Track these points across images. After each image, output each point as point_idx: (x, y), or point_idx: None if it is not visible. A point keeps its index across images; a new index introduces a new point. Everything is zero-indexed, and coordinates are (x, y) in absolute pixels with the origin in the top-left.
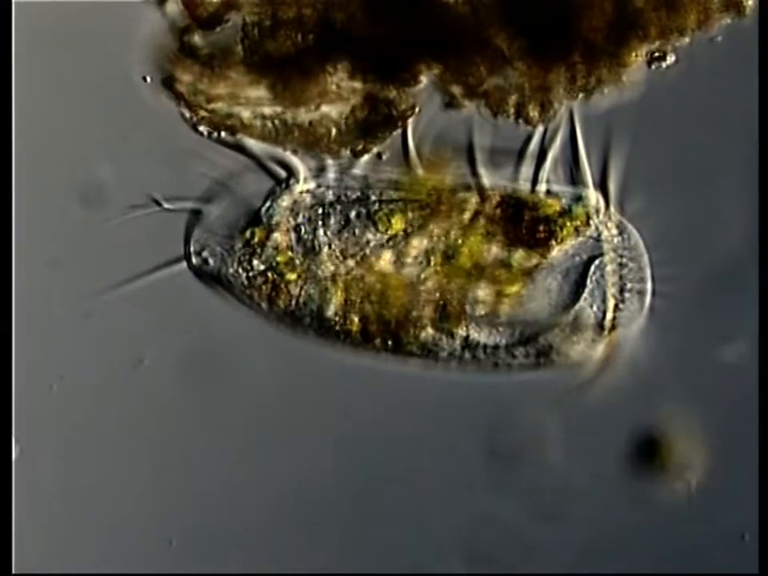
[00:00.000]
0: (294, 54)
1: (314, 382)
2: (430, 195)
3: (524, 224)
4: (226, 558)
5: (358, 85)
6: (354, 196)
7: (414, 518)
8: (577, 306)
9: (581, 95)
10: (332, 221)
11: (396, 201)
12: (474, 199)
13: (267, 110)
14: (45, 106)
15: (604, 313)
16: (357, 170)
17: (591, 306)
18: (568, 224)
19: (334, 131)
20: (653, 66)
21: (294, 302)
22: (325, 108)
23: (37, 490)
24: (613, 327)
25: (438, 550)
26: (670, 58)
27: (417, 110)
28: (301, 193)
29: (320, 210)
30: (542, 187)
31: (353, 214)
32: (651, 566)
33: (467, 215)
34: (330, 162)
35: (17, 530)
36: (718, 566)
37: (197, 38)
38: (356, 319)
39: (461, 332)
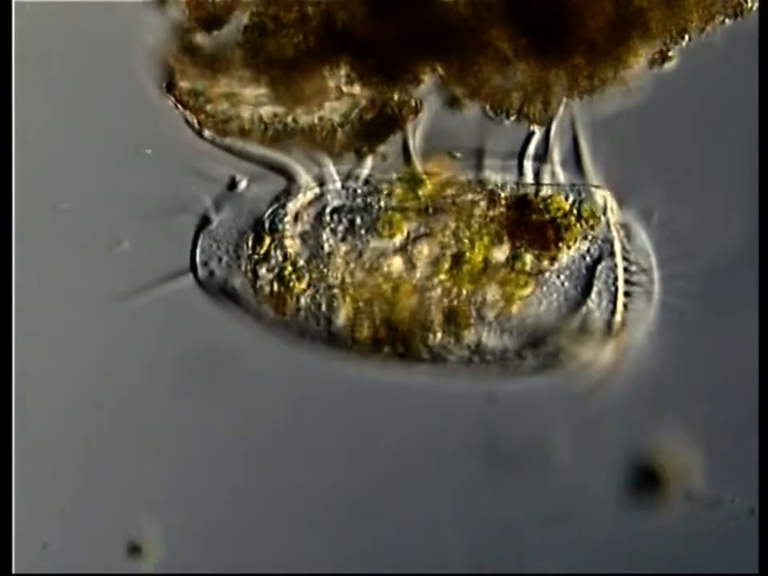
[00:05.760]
0: (296, 54)
1: (318, 388)
2: (434, 199)
3: (531, 226)
4: (226, 561)
5: (359, 86)
6: (359, 201)
7: (421, 523)
8: (584, 308)
9: (583, 96)
10: (338, 227)
11: (400, 206)
12: (482, 202)
13: (269, 112)
14: (44, 107)
15: (612, 314)
16: (362, 175)
17: (599, 308)
18: (575, 225)
19: (336, 133)
20: (654, 67)
21: (302, 311)
22: (327, 110)
23: (37, 489)
24: (621, 329)
25: (448, 555)
26: (672, 59)
27: (419, 110)
28: (306, 200)
29: (326, 217)
30: (548, 189)
31: (358, 219)
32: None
33: (475, 219)
34: (335, 167)
35: (17, 530)
36: (717, 566)
37: (198, 39)
38: (365, 326)
39: (470, 336)
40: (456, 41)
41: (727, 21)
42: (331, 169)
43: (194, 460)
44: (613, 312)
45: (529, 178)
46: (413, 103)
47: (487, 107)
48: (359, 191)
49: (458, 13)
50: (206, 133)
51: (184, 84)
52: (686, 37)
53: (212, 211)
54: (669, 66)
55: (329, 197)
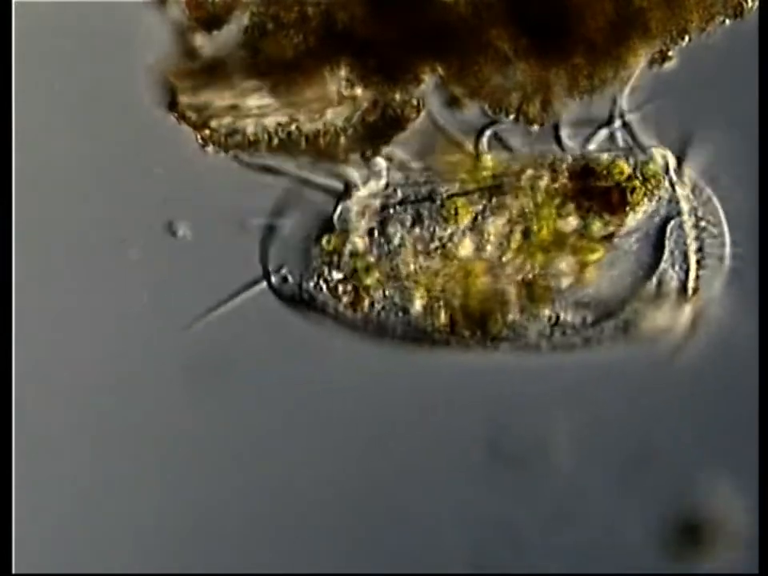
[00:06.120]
0: (296, 55)
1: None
2: (496, 178)
3: (596, 193)
4: (228, 560)
5: (360, 87)
6: (421, 191)
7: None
8: (658, 269)
9: (583, 96)
10: (405, 218)
11: (463, 190)
12: (545, 176)
13: (272, 122)
14: (44, 107)
15: (686, 273)
16: (420, 165)
17: (673, 268)
18: (640, 187)
19: (341, 138)
20: (654, 67)
21: (378, 306)
22: (329, 114)
23: (37, 490)
24: (696, 288)
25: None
26: (671, 59)
27: (421, 109)
28: (369, 196)
29: (391, 210)
30: (609, 154)
31: (423, 209)
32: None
33: (540, 192)
34: (393, 160)
35: (17, 530)
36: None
37: (198, 40)
38: (442, 313)
39: (547, 311)
40: (456, 41)
41: (727, 21)
42: (391, 163)
43: (189, 462)
44: (687, 271)
45: (589, 146)
46: (414, 102)
47: (486, 106)
48: (421, 182)
49: (458, 13)
50: (209, 148)
51: (185, 99)
52: (686, 37)
53: (277, 219)
54: (669, 65)
55: (392, 191)
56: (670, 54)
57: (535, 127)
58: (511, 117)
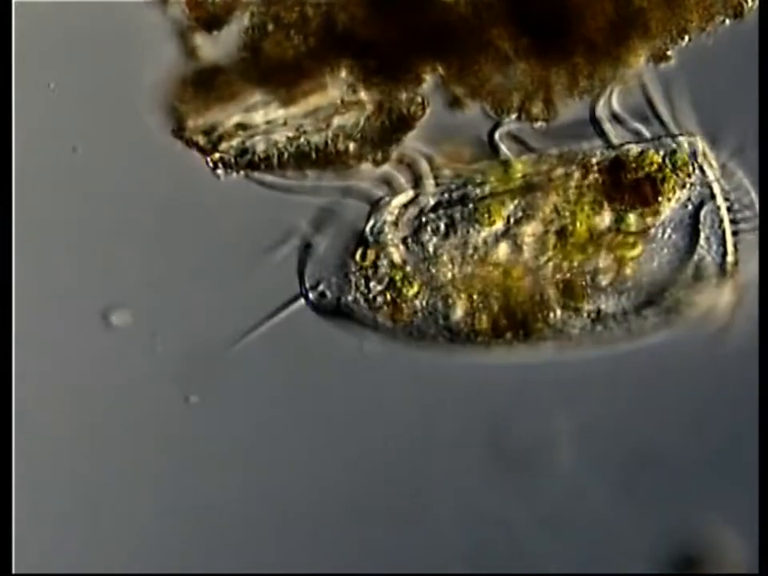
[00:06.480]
0: (297, 56)
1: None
2: (527, 179)
3: (628, 186)
4: (228, 560)
5: (363, 90)
6: (454, 197)
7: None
8: (696, 256)
9: (583, 95)
10: (438, 225)
11: (494, 192)
12: (575, 173)
13: (281, 137)
14: (45, 107)
15: (722, 256)
16: (450, 171)
17: (709, 252)
18: (671, 176)
19: (351, 146)
20: (654, 67)
21: (419, 315)
22: (336, 122)
23: (37, 490)
24: (735, 269)
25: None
26: (670, 59)
27: (426, 107)
28: (401, 205)
29: (424, 219)
30: (637, 145)
31: (457, 214)
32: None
33: (571, 190)
34: (423, 168)
35: (17, 530)
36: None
37: (199, 41)
38: (484, 317)
39: (588, 306)
40: (456, 41)
41: (727, 21)
42: (422, 171)
43: (189, 462)
44: (724, 254)
45: (614, 139)
46: (419, 100)
47: (487, 106)
48: (452, 188)
49: (459, 13)
50: (220, 171)
51: (191, 123)
52: (686, 37)
53: (311, 236)
54: (668, 65)
55: (423, 198)
56: (669, 53)
57: (540, 124)
58: (513, 116)
